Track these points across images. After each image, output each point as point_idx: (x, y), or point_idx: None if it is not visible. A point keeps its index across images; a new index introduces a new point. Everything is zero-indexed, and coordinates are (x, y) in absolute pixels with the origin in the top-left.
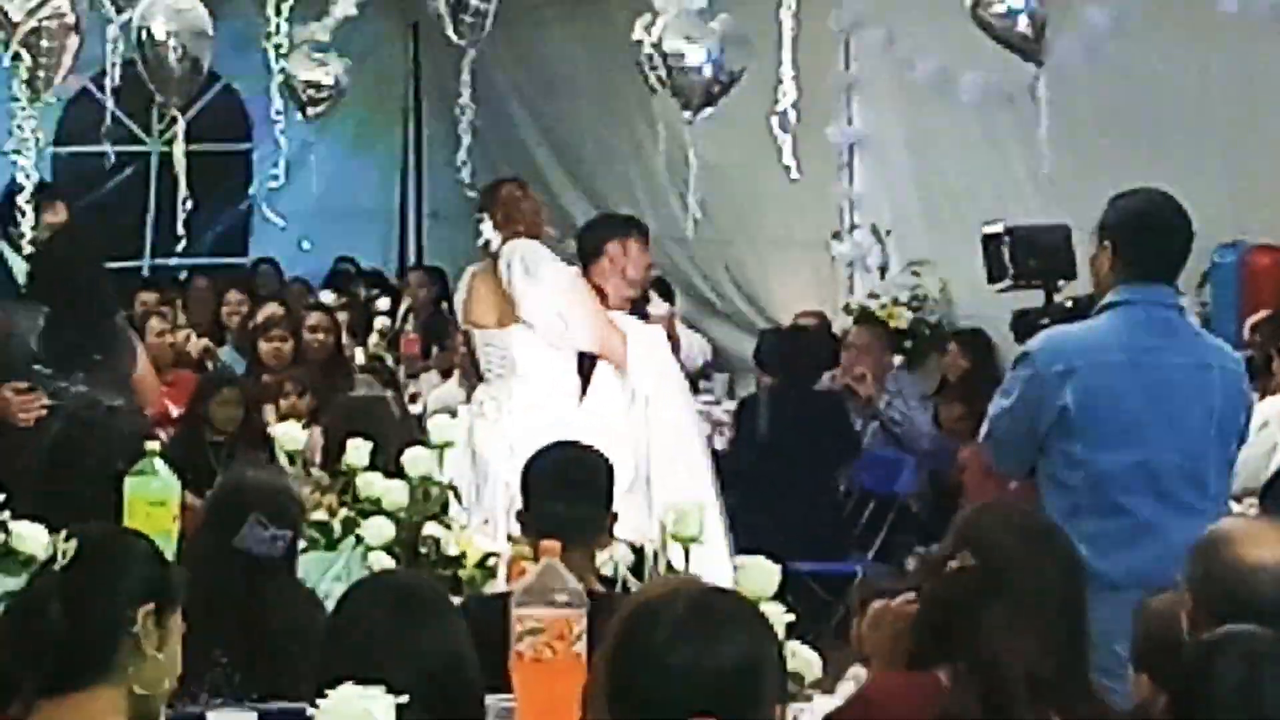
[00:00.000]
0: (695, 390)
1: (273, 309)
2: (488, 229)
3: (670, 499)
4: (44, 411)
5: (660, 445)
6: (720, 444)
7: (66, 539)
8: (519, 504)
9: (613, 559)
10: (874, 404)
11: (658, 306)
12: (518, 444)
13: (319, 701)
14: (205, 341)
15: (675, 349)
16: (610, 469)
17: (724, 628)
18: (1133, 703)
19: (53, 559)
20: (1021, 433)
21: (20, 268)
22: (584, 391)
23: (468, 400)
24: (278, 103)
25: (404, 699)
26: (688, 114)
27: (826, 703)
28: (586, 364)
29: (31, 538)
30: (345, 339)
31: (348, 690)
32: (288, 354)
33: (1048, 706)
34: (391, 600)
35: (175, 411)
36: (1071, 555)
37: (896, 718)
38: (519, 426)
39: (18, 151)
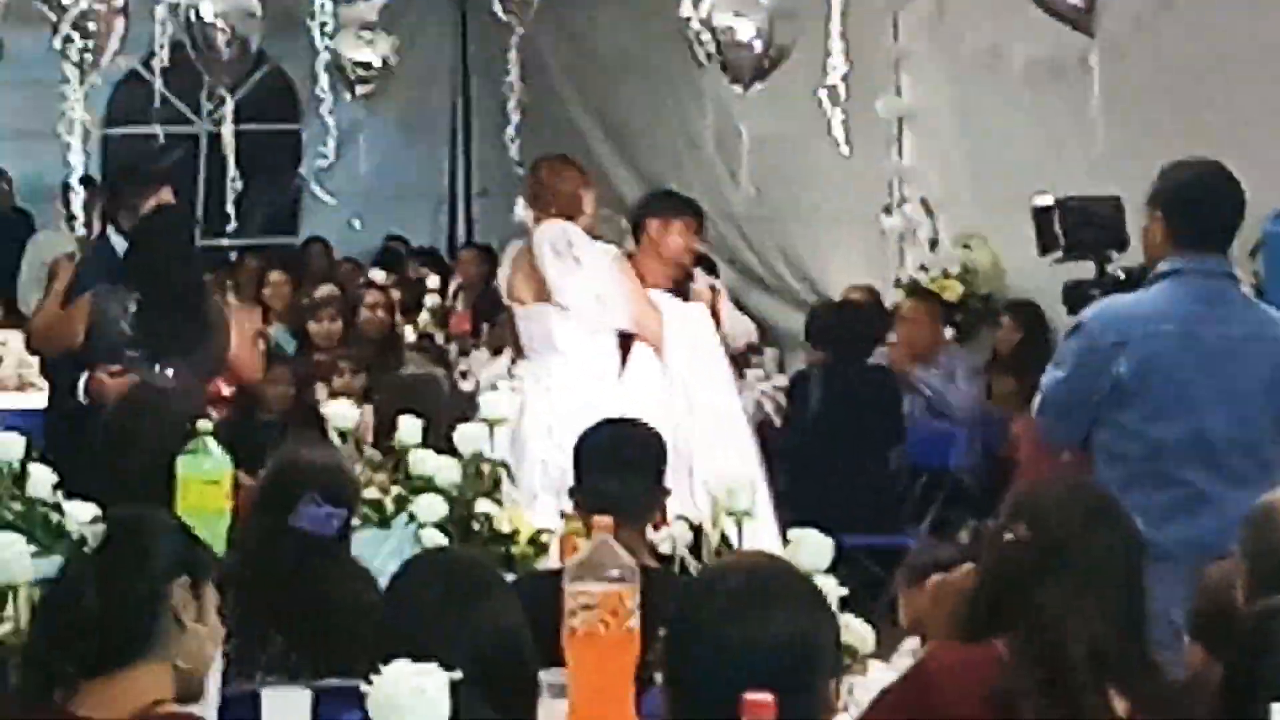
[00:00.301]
0: (740, 371)
1: (328, 289)
2: (520, 208)
3: (715, 479)
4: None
5: (701, 426)
6: (769, 419)
7: (93, 523)
8: (563, 481)
9: (671, 537)
10: (909, 377)
11: (700, 280)
12: (555, 423)
13: (372, 679)
14: (259, 323)
15: (717, 326)
16: (662, 445)
17: (779, 601)
18: (1186, 672)
19: (84, 542)
20: (1075, 404)
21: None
22: (623, 370)
23: None
24: (324, 81)
25: (458, 675)
26: (738, 88)
27: (880, 675)
28: (625, 342)
29: (80, 518)
30: (396, 317)
31: (401, 667)
32: (338, 333)
33: (1108, 679)
34: (445, 577)
35: (227, 391)
36: (1130, 528)
37: (955, 690)
38: (556, 405)
39: (68, 133)
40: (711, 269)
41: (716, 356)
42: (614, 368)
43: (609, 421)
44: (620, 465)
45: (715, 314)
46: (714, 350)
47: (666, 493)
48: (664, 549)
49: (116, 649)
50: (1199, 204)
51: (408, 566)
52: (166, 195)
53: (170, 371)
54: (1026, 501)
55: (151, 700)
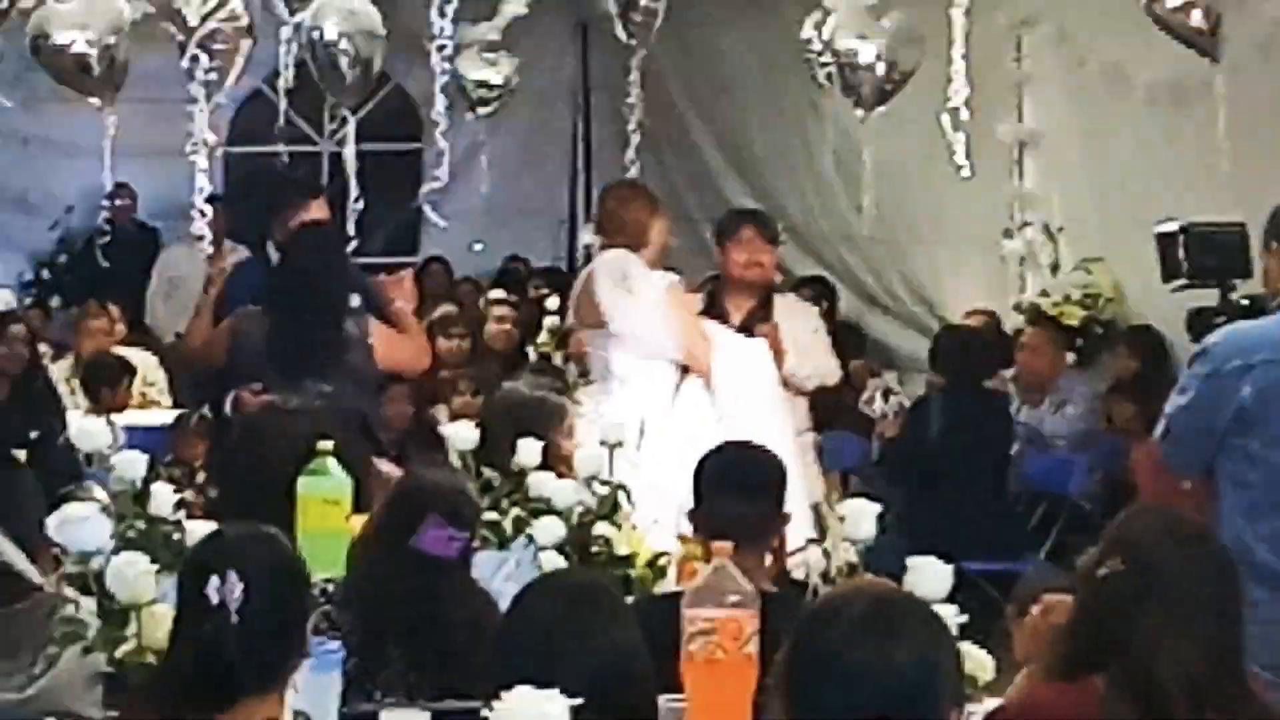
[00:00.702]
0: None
1: (448, 307)
2: (588, 233)
3: None
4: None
5: None
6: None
7: (224, 576)
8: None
9: (806, 562)
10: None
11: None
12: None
13: (494, 704)
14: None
15: (779, 363)
16: (783, 469)
17: (902, 628)
18: None
19: (221, 603)
20: (1199, 430)
21: None
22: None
23: None
24: (439, 104)
25: (579, 701)
26: (860, 112)
27: (994, 705)
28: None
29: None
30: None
31: (523, 692)
32: (465, 351)
33: (1205, 711)
34: (566, 599)
35: None
36: (1226, 560)
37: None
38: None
39: (194, 152)
40: (830, 294)
41: (771, 393)
42: (667, 397)
43: (730, 444)
44: (740, 489)
45: (777, 351)
46: (769, 386)
47: (786, 518)
48: (797, 574)
49: (251, 689)
50: None
51: (529, 588)
52: (319, 210)
53: (326, 388)
54: (1121, 533)
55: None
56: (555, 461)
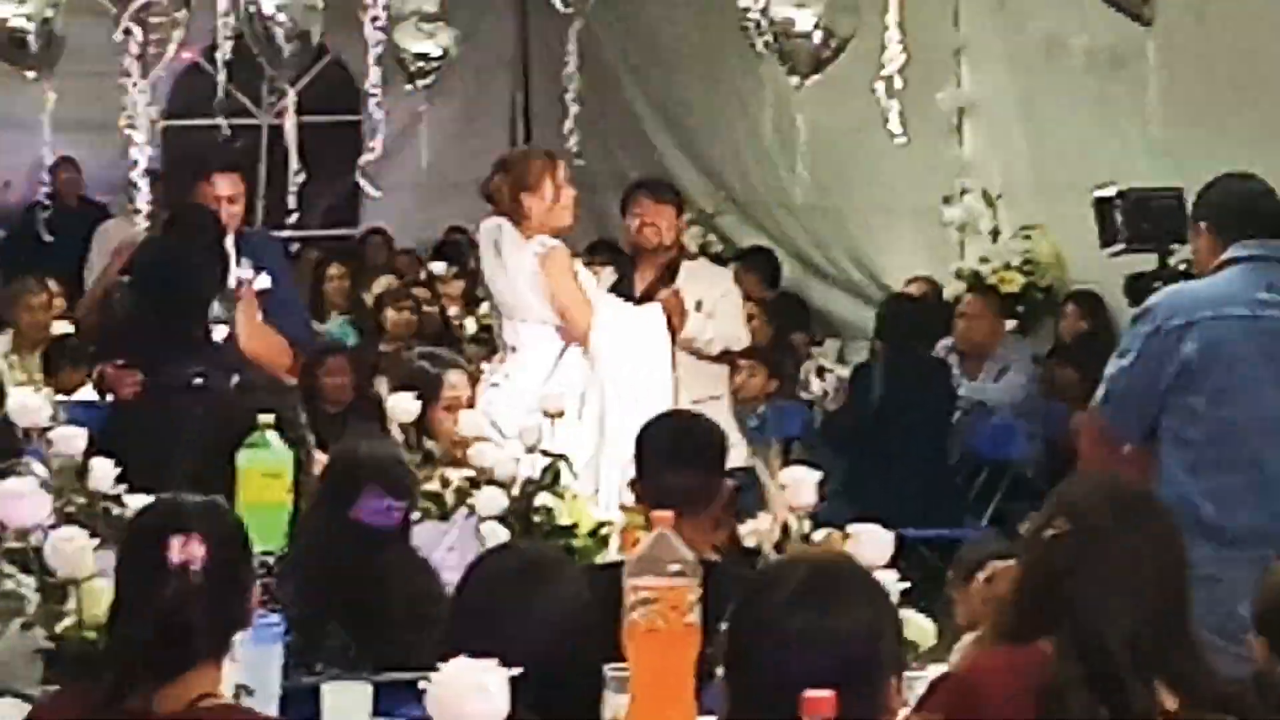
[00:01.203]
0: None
1: (388, 279)
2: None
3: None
4: (139, 387)
5: (617, 425)
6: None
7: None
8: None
9: (757, 530)
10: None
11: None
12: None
13: (432, 675)
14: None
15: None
16: (723, 438)
17: (843, 595)
18: (1253, 666)
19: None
20: (1141, 391)
21: None
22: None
23: None
24: (375, 75)
25: (518, 671)
26: (795, 80)
27: (939, 671)
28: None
29: None
30: (456, 309)
31: (461, 663)
32: (413, 324)
33: (1153, 674)
34: (518, 566)
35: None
36: (1168, 524)
37: (1001, 690)
38: (492, 401)
39: (131, 126)
40: (772, 263)
41: (660, 359)
42: (552, 364)
43: (669, 414)
44: (681, 458)
45: (674, 317)
46: (659, 353)
47: (728, 486)
48: (749, 543)
49: (195, 655)
50: (1242, 202)
51: (480, 561)
52: (226, 186)
53: (195, 369)
54: (1064, 497)
55: (198, 694)
56: (433, 434)
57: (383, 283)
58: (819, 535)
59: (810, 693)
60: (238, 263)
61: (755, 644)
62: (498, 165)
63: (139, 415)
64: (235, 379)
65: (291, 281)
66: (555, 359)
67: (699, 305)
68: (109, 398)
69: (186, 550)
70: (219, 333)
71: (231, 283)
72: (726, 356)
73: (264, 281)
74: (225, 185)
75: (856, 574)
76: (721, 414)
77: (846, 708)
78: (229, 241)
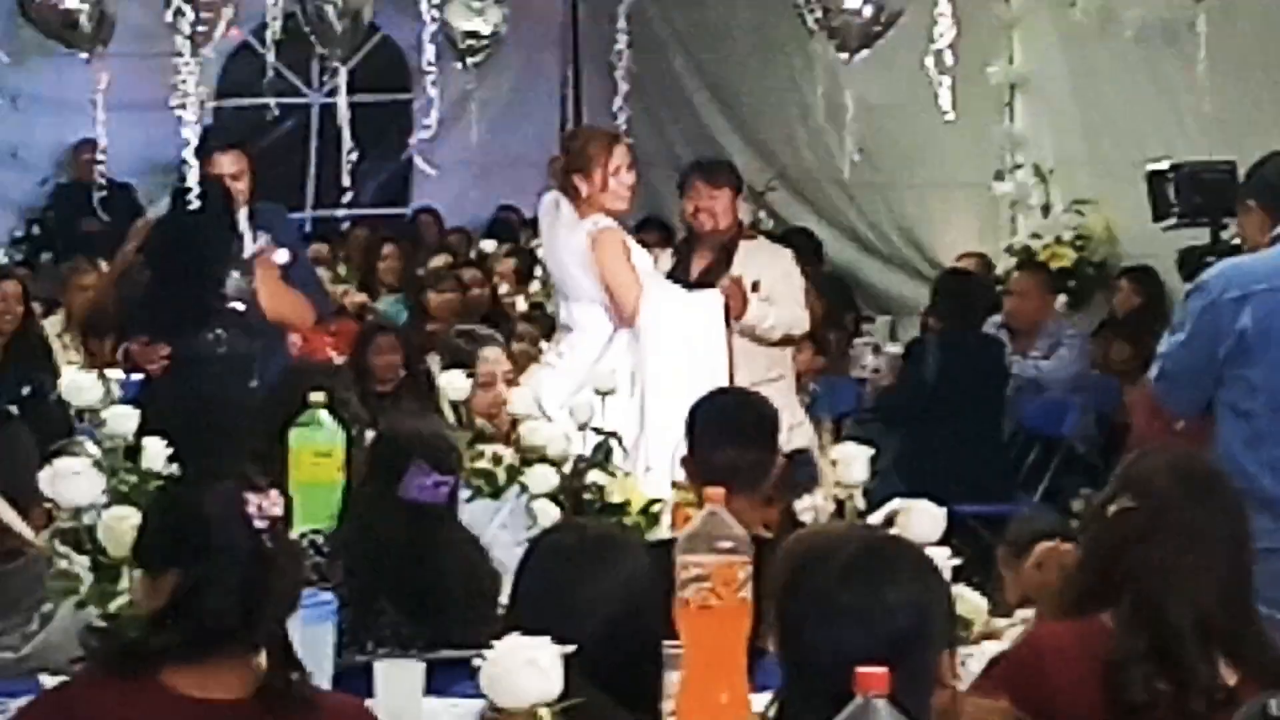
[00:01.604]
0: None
1: (442, 259)
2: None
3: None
4: (165, 362)
5: (660, 409)
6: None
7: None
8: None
9: (814, 507)
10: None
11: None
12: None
13: (486, 653)
14: (363, 296)
15: (732, 317)
16: (775, 415)
17: (894, 570)
18: None
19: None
20: (1197, 365)
21: None
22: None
23: None
24: (430, 53)
25: (571, 649)
26: (845, 56)
27: (994, 648)
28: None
29: None
30: (507, 287)
31: (514, 640)
32: (456, 304)
33: (1215, 649)
34: (579, 549)
35: (339, 360)
36: (1235, 502)
37: (1063, 665)
38: (544, 382)
39: (181, 106)
40: (814, 244)
41: (714, 345)
42: (600, 345)
43: (722, 391)
44: (733, 434)
45: (736, 304)
46: (712, 339)
47: (780, 463)
48: (805, 518)
49: (247, 635)
50: None
51: (541, 539)
52: (229, 164)
53: (218, 333)
54: (1130, 471)
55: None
56: (470, 423)
57: (436, 261)
58: (876, 517)
59: (863, 669)
60: (253, 236)
61: (806, 617)
62: (564, 144)
63: (169, 389)
64: (259, 344)
65: (305, 254)
66: (607, 339)
67: (755, 286)
68: (135, 375)
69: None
70: (239, 304)
71: (248, 254)
72: (788, 341)
73: (282, 256)
74: (227, 163)
75: (906, 548)
76: (782, 394)
77: (899, 682)
78: (242, 216)
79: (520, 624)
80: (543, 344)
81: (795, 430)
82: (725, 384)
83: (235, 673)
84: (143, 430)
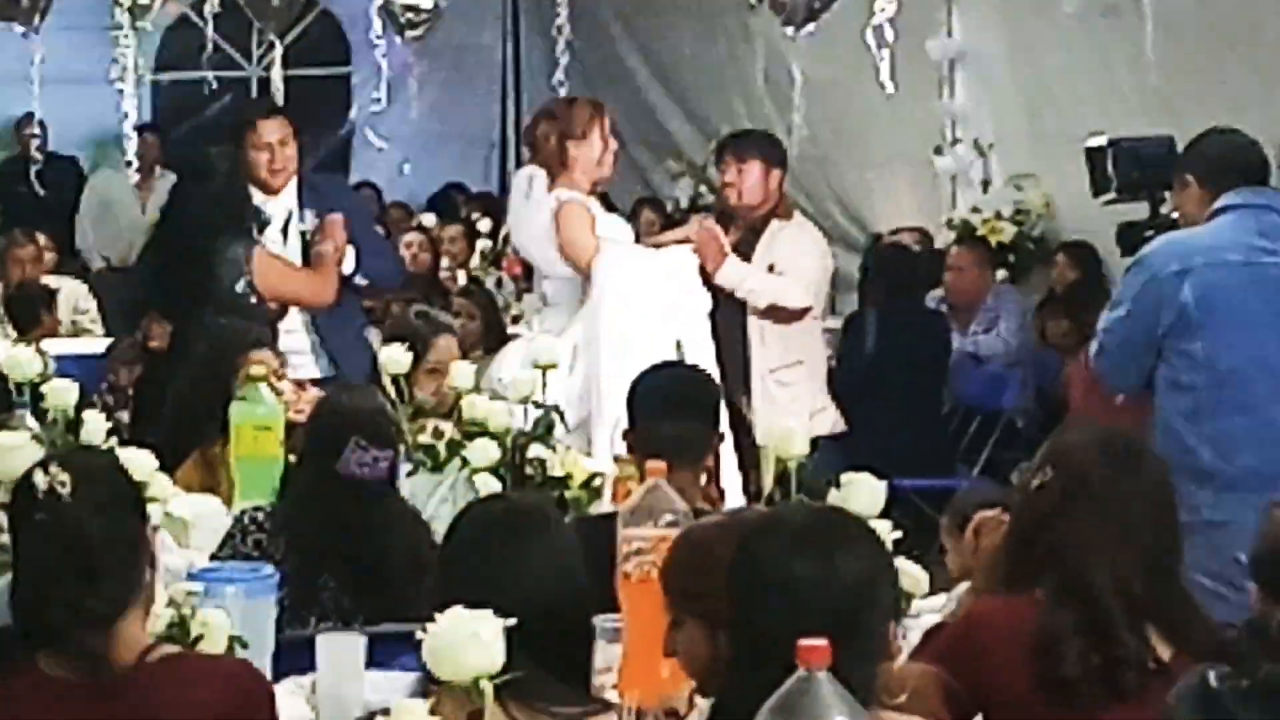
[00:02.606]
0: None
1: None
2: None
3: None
4: (168, 338)
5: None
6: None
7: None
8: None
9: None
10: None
11: (694, 224)
12: (504, 374)
13: (428, 626)
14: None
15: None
16: (717, 390)
17: (840, 542)
18: (1250, 613)
19: (51, 492)
20: (1137, 340)
21: None
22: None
23: None
24: (377, 25)
25: (512, 622)
26: (789, 30)
27: (932, 621)
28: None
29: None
30: (448, 261)
31: (457, 613)
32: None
33: (1144, 621)
34: (504, 518)
35: None
36: (1160, 473)
37: (996, 639)
38: (507, 355)
39: (120, 79)
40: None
41: (687, 305)
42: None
43: (663, 365)
44: (674, 408)
45: (705, 260)
46: (685, 295)
47: (721, 437)
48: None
49: (112, 598)
50: (1230, 152)
51: (467, 510)
52: (274, 130)
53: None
54: (1054, 446)
55: (143, 645)
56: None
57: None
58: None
59: (805, 641)
60: (300, 214)
61: (756, 588)
62: (542, 112)
63: (170, 366)
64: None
65: (371, 220)
66: (575, 314)
67: (771, 268)
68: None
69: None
70: (239, 286)
71: (292, 231)
72: (781, 313)
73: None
74: (271, 130)
75: (852, 520)
76: (802, 380)
77: (847, 652)
78: (290, 189)
79: (446, 596)
80: (476, 321)
81: (817, 416)
82: (706, 345)
83: (118, 639)
84: (138, 400)
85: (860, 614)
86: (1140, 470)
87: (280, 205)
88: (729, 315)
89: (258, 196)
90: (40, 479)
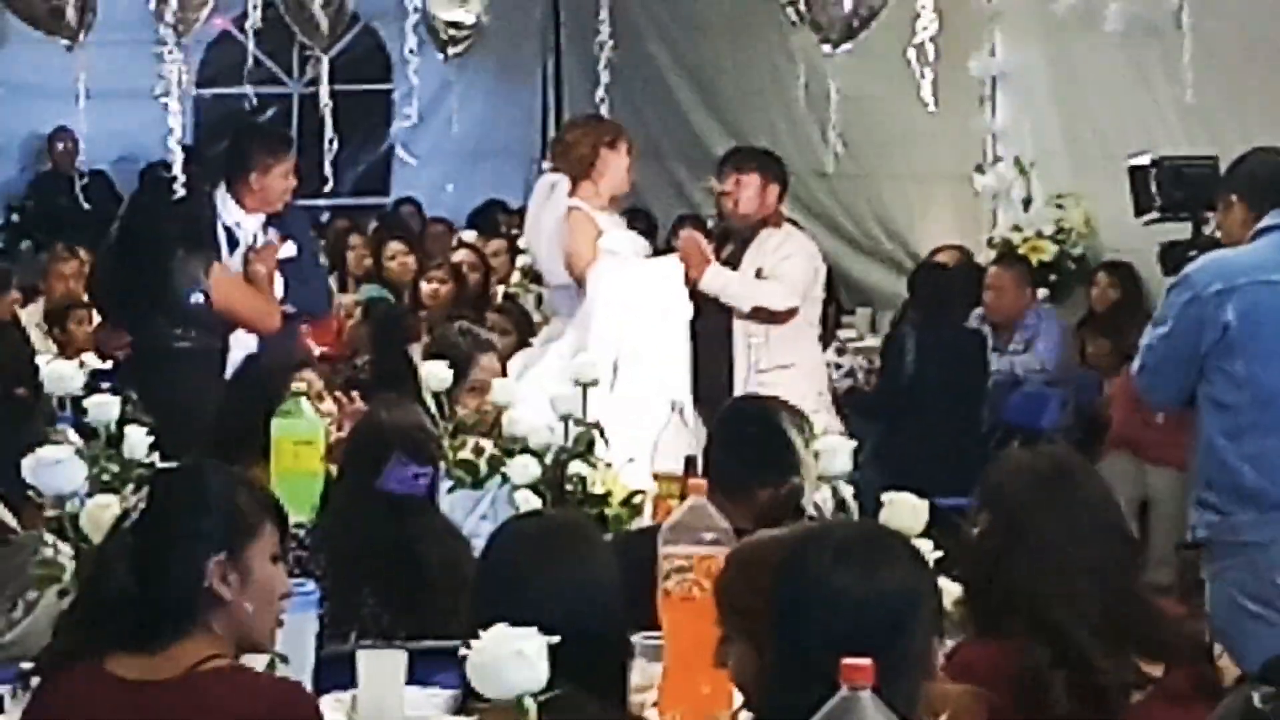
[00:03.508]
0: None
1: (398, 246)
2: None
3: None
4: (127, 349)
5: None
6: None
7: (136, 492)
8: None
9: (817, 503)
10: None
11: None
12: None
13: (472, 643)
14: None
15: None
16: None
17: (886, 556)
18: None
19: (125, 517)
20: (1180, 359)
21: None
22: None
23: None
24: (411, 42)
25: (556, 639)
26: (827, 48)
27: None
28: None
29: None
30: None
31: (501, 631)
32: (446, 295)
33: (1119, 643)
34: (540, 537)
35: (318, 350)
36: (1095, 489)
37: (985, 681)
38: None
39: (165, 94)
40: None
41: (675, 313)
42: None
43: (746, 400)
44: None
45: (689, 264)
46: (671, 304)
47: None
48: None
49: (154, 628)
50: (1275, 173)
51: (504, 527)
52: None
53: (175, 330)
54: (985, 486)
55: (197, 659)
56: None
57: (395, 248)
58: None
59: (849, 660)
60: (264, 231)
61: (799, 603)
62: (577, 119)
63: (132, 377)
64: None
65: (317, 253)
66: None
67: (759, 273)
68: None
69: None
70: (198, 298)
71: (254, 242)
72: (765, 315)
73: (289, 250)
74: (291, 164)
75: (897, 537)
76: (793, 383)
77: (889, 668)
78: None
79: (482, 612)
80: (511, 336)
81: (814, 416)
82: (683, 353)
83: (171, 657)
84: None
85: (903, 630)
86: (1073, 489)
87: (255, 222)
88: (713, 320)
89: (237, 214)
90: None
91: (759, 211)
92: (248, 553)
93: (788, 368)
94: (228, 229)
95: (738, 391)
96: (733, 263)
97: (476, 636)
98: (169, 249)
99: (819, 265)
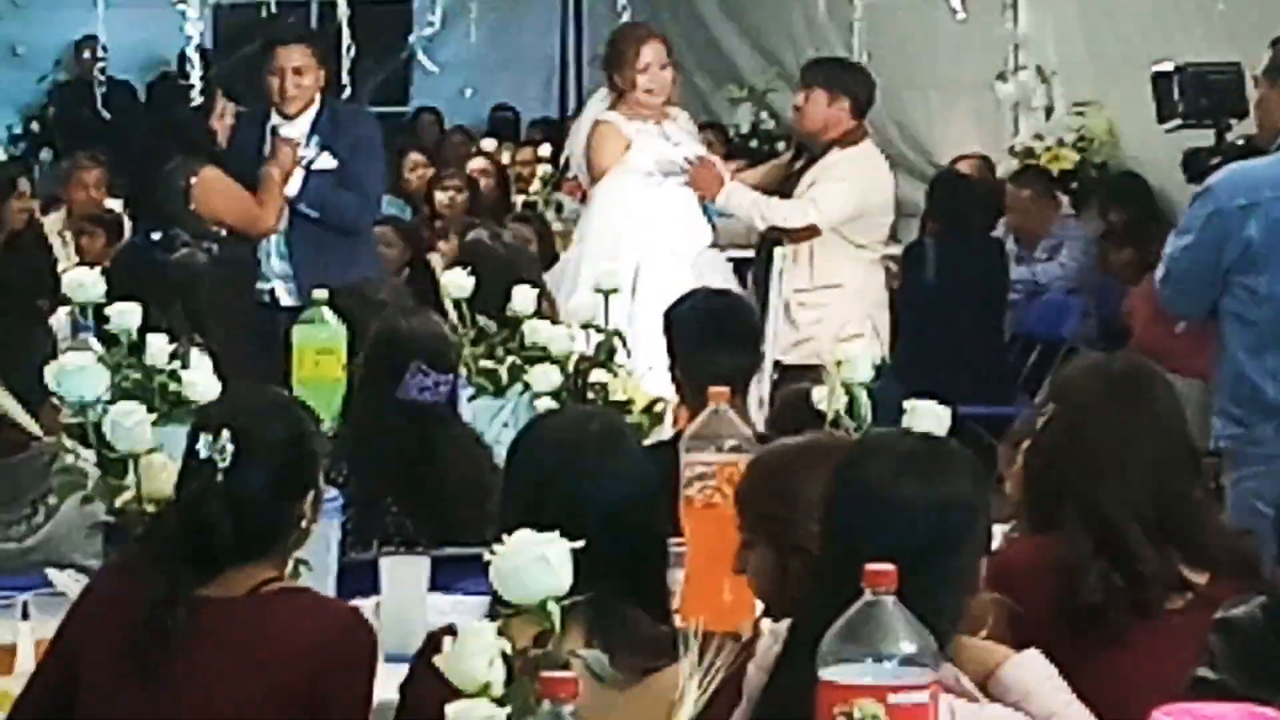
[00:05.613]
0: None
1: (417, 157)
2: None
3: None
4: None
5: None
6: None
7: (218, 434)
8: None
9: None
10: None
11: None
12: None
13: (494, 548)
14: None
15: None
16: (757, 319)
17: (947, 466)
18: None
19: (210, 460)
20: (1202, 271)
21: None
22: None
23: None
24: None
25: (580, 544)
26: None
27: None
28: None
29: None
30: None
31: (524, 535)
32: (461, 204)
33: (1166, 544)
34: (577, 427)
35: None
36: (1164, 396)
37: (1017, 579)
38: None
39: (184, 2)
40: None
41: (688, 232)
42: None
43: (705, 294)
44: (723, 337)
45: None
46: (688, 226)
47: (761, 360)
48: (821, 407)
49: (240, 556)
50: None
51: (534, 425)
52: (297, 57)
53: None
54: (1056, 381)
55: (260, 580)
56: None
57: (415, 159)
58: None
59: (872, 565)
60: (308, 141)
61: (859, 509)
62: (615, 30)
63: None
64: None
65: (374, 161)
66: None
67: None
68: None
69: (214, 449)
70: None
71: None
72: (792, 234)
73: (326, 161)
74: (290, 56)
75: (957, 449)
76: (841, 303)
77: (940, 579)
78: (308, 115)
79: (518, 515)
80: (531, 245)
81: (844, 342)
82: (723, 269)
83: (234, 578)
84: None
85: (957, 543)
86: (1142, 398)
87: (295, 130)
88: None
89: (275, 118)
90: (204, 447)
91: (824, 128)
92: (320, 482)
93: (834, 288)
94: (273, 132)
95: (774, 309)
96: (798, 178)
97: (500, 541)
98: (166, 156)
99: (877, 189)
